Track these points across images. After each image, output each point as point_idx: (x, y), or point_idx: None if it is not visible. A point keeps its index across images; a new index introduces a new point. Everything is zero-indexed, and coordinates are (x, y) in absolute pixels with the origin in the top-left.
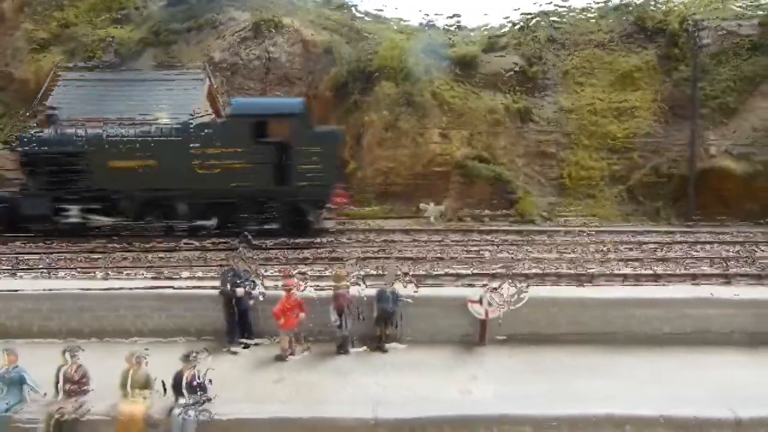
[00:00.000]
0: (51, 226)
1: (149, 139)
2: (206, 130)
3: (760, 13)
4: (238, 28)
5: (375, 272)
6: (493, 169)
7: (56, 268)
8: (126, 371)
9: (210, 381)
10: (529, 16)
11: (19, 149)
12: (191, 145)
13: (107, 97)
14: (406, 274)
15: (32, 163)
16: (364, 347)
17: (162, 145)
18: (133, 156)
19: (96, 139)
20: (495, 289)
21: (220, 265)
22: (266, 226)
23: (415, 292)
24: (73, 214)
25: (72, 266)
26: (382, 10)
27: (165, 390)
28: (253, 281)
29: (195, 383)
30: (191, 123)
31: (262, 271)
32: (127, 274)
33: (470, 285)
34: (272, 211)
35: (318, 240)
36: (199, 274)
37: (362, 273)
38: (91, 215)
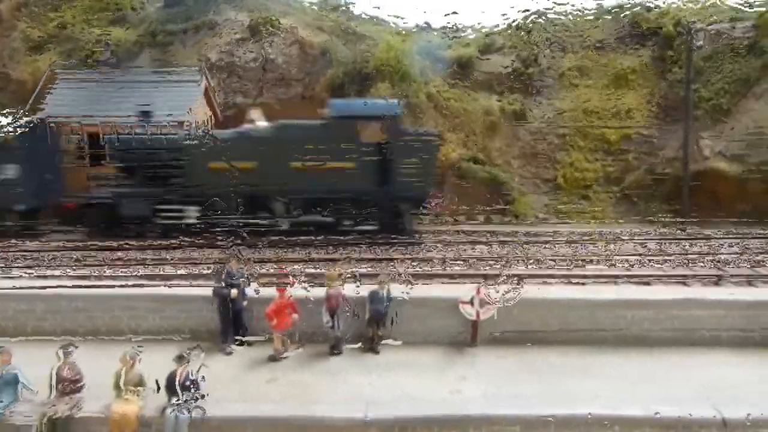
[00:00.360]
0: (149, 227)
1: (250, 139)
2: (308, 131)
3: (752, 11)
4: (235, 29)
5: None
6: (489, 170)
7: (50, 266)
8: (119, 371)
9: (203, 378)
10: (525, 17)
11: (118, 149)
12: (293, 146)
13: (104, 97)
14: (400, 273)
15: (130, 162)
16: (359, 344)
17: (263, 145)
18: (234, 156)
19: (197, 139)
20: (490, 285)
21: (215, 263)
22: (364, 227)
23: (411, 288)
24: (172, 215)
25: (66, 264)
26: (378, 7)
27: (158, 387)
28: (247, 279)
29: (188, 382)
30: (293, 124)
31: (258, 268)
32: (122, 272)
33: (467, 282)
34: (371, 211)
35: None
36: (195, 271)
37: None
38: (187, 215)
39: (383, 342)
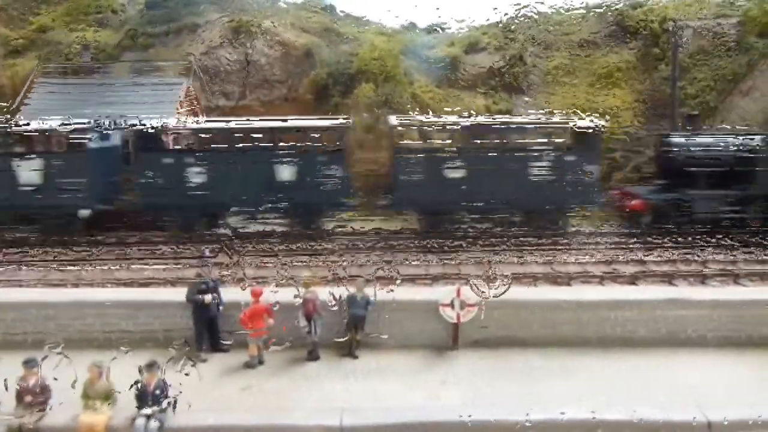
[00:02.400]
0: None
1: None
2: None
3: (737, 11)
4: (218, 31)
5: None
6: None
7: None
8: (88, 381)
9: (171, 386)
10: (510, 17)
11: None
12: None
13: (88, 97)
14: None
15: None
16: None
17: None
18: None
19: None
20: (476, 283)
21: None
22: None
23: (396, 285)
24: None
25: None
26: (364, 1)
27: (131, 386)
28: (216, 285)
29: (158, 392)
30: None
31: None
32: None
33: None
34: None
35: None
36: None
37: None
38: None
39: (373, 335)
